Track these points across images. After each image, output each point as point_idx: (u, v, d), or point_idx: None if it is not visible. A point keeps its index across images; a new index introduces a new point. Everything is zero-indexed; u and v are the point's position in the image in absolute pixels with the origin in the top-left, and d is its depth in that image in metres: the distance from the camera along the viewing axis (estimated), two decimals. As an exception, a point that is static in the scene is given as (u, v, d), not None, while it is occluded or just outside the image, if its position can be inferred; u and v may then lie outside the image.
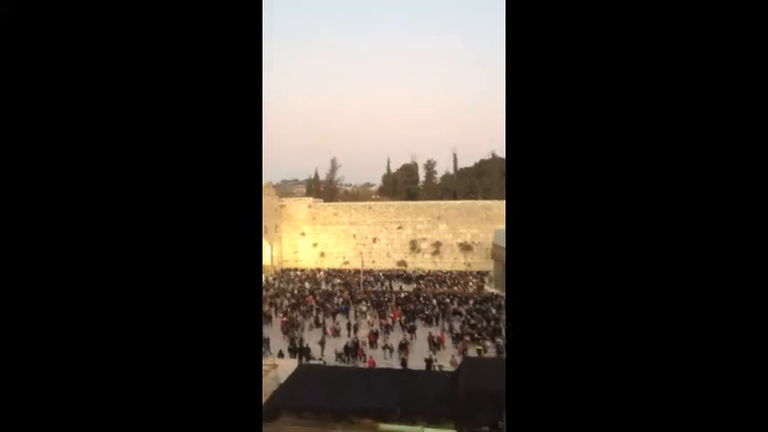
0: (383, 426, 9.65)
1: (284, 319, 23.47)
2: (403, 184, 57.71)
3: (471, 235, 41.78)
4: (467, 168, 57.43)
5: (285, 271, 40.74)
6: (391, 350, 18.97)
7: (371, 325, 22.62)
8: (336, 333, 21.87)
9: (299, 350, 18.80)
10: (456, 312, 25.16)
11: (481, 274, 37.29)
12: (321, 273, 39.87)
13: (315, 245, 44.39)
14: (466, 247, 41.76)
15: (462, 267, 40.81)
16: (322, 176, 61.63)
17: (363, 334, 21.18)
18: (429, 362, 16.97)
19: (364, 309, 25.99)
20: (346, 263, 42.87)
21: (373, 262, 42.13)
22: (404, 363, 17.42)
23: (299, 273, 39.99)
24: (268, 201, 39.23)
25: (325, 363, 17.53)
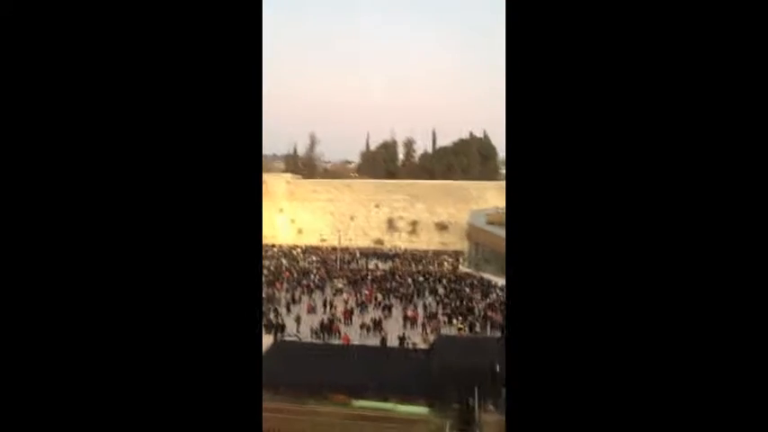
0: (357, 402, 9.93)
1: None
2: (382, 162, 57.56)
3: (448, 215, 42.15)
4: (444, 147, 57.52)
5: (262, 247, 40.52)
6: (368, 329, 19.28)
7: (347, 302, 22.88)
8: (312, 310, 22.07)
9: (274, 326, 18.95)
10: (431, 291, 25.58)
11: (456, 254, 37.80)
12: (298, 249, 39.86)
13: (293, 221, 44.23)
14: (442, 227, 42.18)
15: (438, 246, 41.24)
16: (301, 152, 61.03)
17: (339, 311, 21.43)
18: (402, 339, 17.32)
19: (340, 286, 26.20)
20: (323, 240, 42.89)
21: (350, 240, 42.25)
22: (379, 340, 17.75)
23: (275, 249, 39.90)
24: (245, 176, 38.67)
25: (300, 339, 17.75)
